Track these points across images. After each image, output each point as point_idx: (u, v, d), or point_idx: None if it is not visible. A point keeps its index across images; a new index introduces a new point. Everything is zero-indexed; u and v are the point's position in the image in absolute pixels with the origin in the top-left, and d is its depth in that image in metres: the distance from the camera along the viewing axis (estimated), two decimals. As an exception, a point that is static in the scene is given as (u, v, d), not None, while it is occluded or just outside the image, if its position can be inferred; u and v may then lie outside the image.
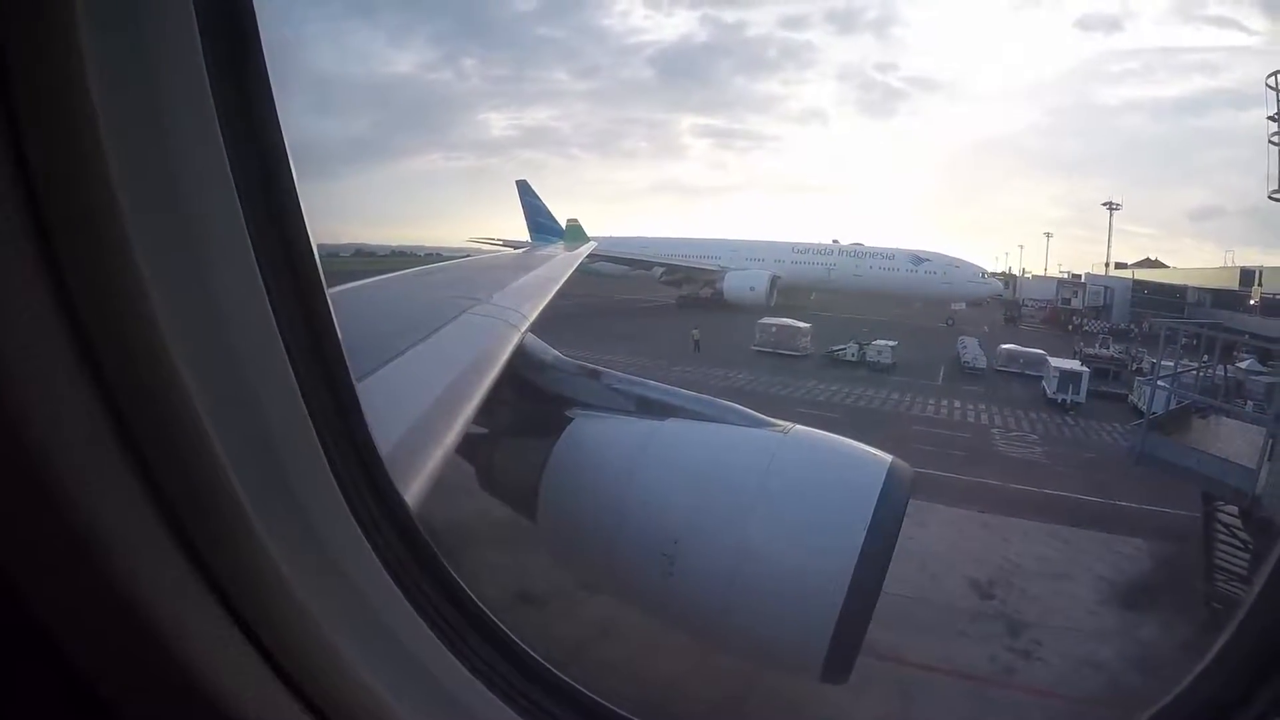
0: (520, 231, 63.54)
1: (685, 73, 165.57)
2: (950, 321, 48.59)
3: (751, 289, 51.93)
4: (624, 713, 1.84)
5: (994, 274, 57.61)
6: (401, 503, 1.62)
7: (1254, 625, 1.44)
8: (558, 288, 8.32)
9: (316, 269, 1.32)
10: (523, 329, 5.06)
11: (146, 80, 1.01)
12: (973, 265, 55.48)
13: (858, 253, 57.66)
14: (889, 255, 55.72)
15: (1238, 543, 12.36)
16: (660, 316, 47.94)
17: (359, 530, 1.37)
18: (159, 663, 1.06)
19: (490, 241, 52.85)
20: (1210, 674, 1.46)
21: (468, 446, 4.52)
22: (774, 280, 52.88)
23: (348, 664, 1.29)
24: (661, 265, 56.78)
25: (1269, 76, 15.48)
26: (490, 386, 3.72)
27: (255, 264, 1.16)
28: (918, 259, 54.04)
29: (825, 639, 3.86)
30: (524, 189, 66.65)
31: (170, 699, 1.09)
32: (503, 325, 4.94)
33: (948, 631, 11.16)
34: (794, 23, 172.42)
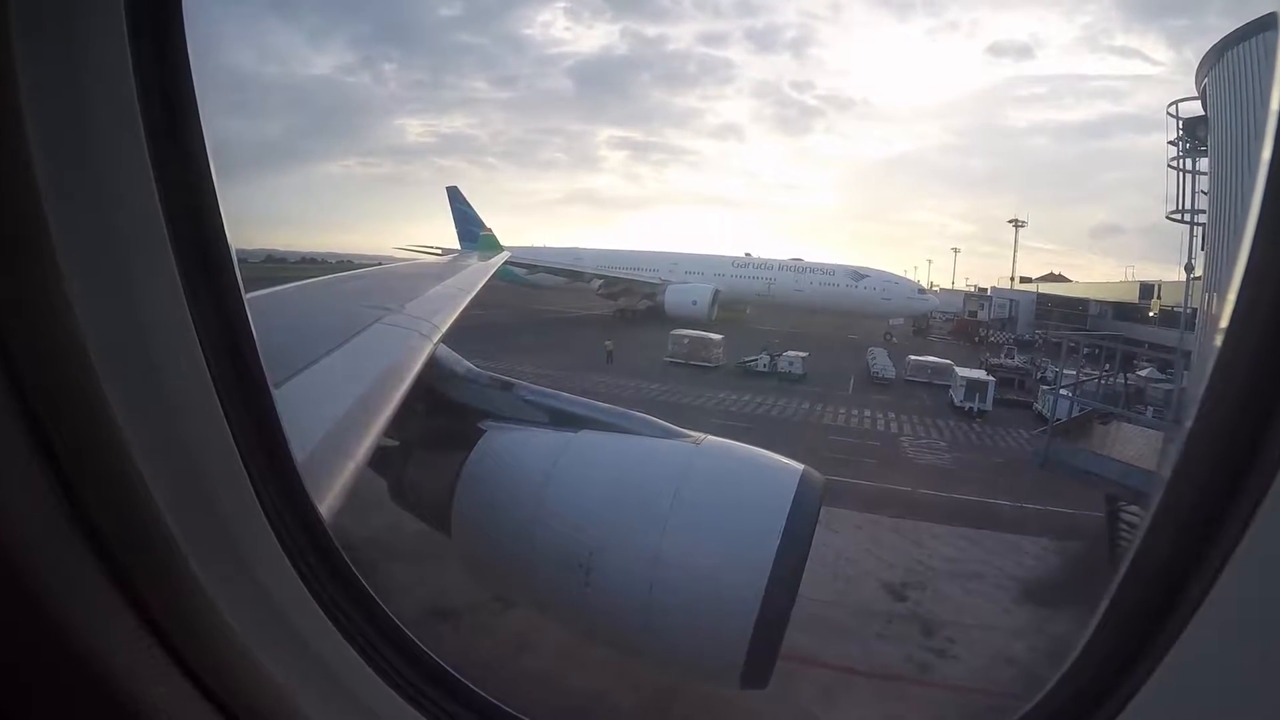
0: (445, 239, 62.08)
1: (604, 85, 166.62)
2: (889, 336, 49.31)
3: (694, 303, 51.24)
4: (520, 715, 1.86)
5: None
6: (316, 514, 1.65)
7: (1110, 622, 1.51)
8: (471, 297, 8.26)
9: (235, 276, 1.34)
10: (435, 339, 4.98)
11: (74, 84, 1.01)
12: (910, 282, 57.09)
13: (798, 268, 58.04)
14: (829, 271, 56.45)
15: (1141, 541, 13.10)
16: (586, 328, 47.38)
17: (276, 542, 1.40)
18: (70, 667, 1.06)
19: (428, 250, 50.49)
20: (1072, 676, 1.53)
21: (379, 459, 4.41)
22: (716, 294, 52.64)
23: (262, 670, 1.32)
24: (600, 277, 56.16)
25: (1170, 105, 16.72)
26: (402, 398, 3.66)
27: (175, 270, 1.17)
28: (858, 275, 54.88)
29: (743, 646, 3.89)
30: (454, 195, 65.05)
31: (80, 702, 1.09)
32: (415, 336, 4.86)
33: (864, 633, 11.48)
34: (714, 39, 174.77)
